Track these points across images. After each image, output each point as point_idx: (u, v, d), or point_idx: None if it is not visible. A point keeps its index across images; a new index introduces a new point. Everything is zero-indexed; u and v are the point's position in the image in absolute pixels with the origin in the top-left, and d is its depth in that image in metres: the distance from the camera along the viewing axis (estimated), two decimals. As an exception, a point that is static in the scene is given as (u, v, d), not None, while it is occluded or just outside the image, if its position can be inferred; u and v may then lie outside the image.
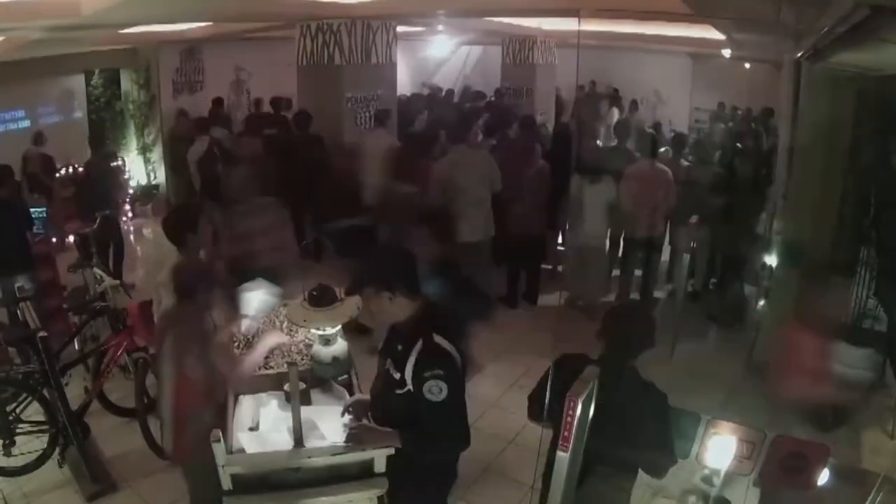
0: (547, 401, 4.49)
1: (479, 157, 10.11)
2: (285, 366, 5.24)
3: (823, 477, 4.14)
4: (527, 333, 9.92)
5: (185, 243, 5.95)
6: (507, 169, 10.03)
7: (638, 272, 10.67)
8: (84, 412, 7.16)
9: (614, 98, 20.18)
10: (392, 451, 4.42)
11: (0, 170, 8.87)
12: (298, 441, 4.50)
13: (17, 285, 7.70)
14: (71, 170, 14.46)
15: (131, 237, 14.56)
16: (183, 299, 5.05)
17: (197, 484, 5.18)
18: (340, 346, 5.13)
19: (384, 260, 4.54)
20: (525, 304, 11.10)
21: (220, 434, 4.23)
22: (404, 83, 21.94)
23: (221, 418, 4.78)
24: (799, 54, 7.43)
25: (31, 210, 10.32)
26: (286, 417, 4.64)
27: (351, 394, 5.21)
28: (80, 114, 17.07)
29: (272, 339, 5.37)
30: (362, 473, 4.50)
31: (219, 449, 4.18)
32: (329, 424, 4.80)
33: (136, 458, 6.91)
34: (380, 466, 4.49)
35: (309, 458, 4.47)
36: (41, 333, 6.35)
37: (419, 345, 4.03)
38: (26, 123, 15.39)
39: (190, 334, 4.83)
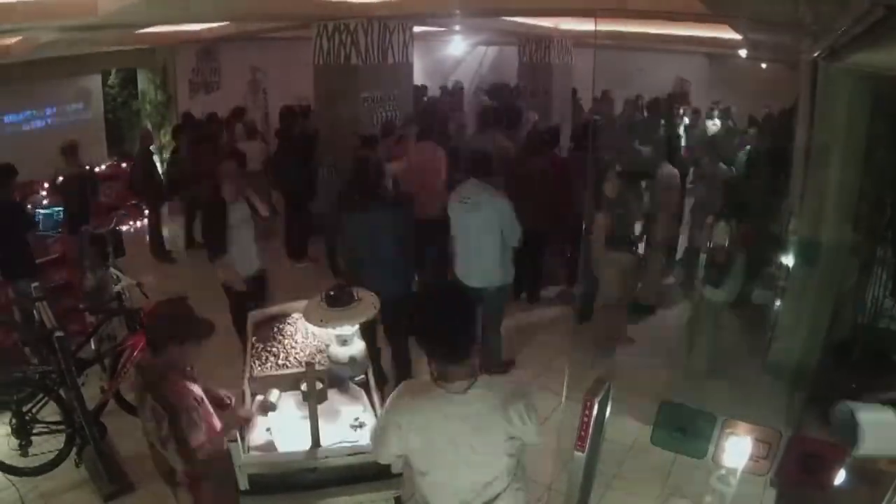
0: None
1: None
2: (303, 365, 5.23)
3: (839, 477, 4.12)
4: (542, 332, 9.94)
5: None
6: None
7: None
8: (100, 412, 7.16)
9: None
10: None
11: (3, 169, 8.89)
12: (315, 441, 4.50)
13: (33, 285, 7.70)
14: (87, 170, 14.40)
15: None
16: (155, 350, 4.69)
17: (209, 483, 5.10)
18: (357, 345, 5.14)
19: None
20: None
21: (238, 435, 4.24)
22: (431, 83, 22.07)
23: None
24: (815, 54, 7.40)
25: (48, 210, 10.37)
26: (303, 417, 4.65)
27: (367, 393, 5.22)
28: (96, 114, 17.09)
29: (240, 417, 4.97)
30: (379, 474, 4.50)
31: (236, 449, 4.18)
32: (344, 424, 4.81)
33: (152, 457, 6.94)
34: (396, 468, 4.49)
35: (326, 458, 4.47)
36: (57, 333, 6.36)
37: None
38: (41, 123, 15.46)
39: (166, 398, 4.46)
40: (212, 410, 4.72)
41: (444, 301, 3.68)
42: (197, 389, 4.67)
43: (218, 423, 4.70)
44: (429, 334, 3.54)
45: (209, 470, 4.52)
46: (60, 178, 12.01)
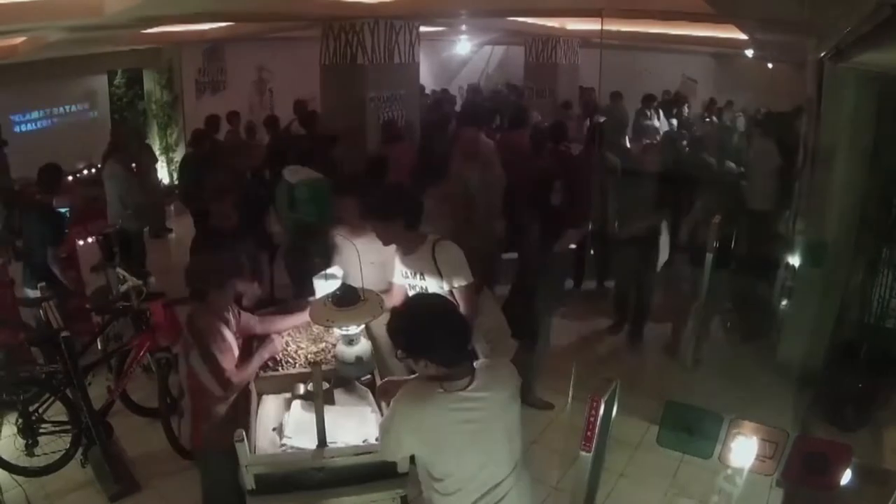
0: None
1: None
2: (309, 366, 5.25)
3: (846, 477, 4.12)
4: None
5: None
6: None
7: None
8: (107, 412, 7.17)
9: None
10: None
11: (53, 170, 8.83)
12: (322, 441, 4.50)
13: (39, 285, 7.70)
14: (94, 170, 14.42)
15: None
16: (196, 299, 5.13)
17: (210, 476, 5.26)
18: (364, 345, 5.13)
19: None
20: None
21: (244, 434, 4.24)
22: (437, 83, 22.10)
23: (241, 415, 4.85)
24: (821, 54, 7.39)
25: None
26: (310, 418, 4.65)
27: (374, 394, 5.22)
28: (102, 114, 17.11)
29: (269, 350, 5.45)
30: (385, 474, 4.50)
31: (242, 449, 4.18)
32: (352, 424, 4.81)
33: (158, 458, 6.93)
34: (403, 467, 4.48)
35: (332, 458, 4.47)
36: (64, 333, 6.36)
37: None
38: (47, 123, 15.49)
39: (197, 333, 4.89)
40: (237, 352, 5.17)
41: (434, 307, 3.83)
42: (227, 333, 4.98)
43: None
44: (427, 341, 3.57)
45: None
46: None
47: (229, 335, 5.07)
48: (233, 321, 5.24)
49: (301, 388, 5.15)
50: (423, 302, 4.14)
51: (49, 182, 8.67)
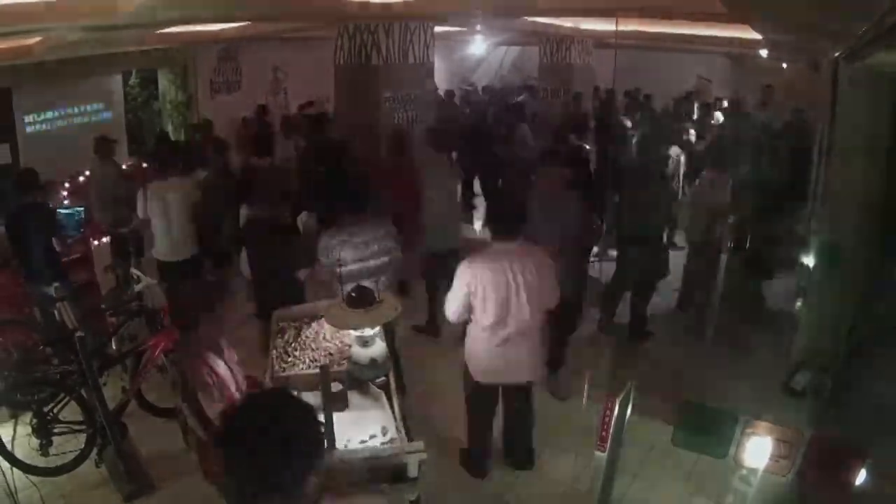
0: None
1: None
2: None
3: (860, 477, 4.11)
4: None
5: None
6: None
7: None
8: (121, 412, 7.18)
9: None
10: (424, 456, 4.43)
11: (28, 174, 8.90)
12: (331, 444, 4.50)
13: (54, 285, 7.71)
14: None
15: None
16: (182, 329, 5.01)
17: None
18: (379, 347, 5.13)
19: None
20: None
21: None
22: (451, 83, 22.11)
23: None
24: (836, 54, 7.37)
25: (69, 210, 10.37)
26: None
27: (388, 396, 5.22)
28: (117, 114, 17.15)
29: None
30: (396, 477, 4.49)
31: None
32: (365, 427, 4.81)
33: (173, 458, 6.93)
34: (413, 471, 4.48)
35: (342, 461, 4.46)
36: (78, 334, 6.37)
37: None
38: (62, 123, 15.54)
39: (182, 372, 4.77)
40: (233, 386, 4.91)
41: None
42: (220, 365, 4.86)
43: (237, 397, 4.87)
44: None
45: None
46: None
47: (222, 368, 4.95)
48: (227, 351, 5.15)
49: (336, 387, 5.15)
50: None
51: (25, 185, 8.78)
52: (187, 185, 9.32)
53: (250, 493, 2.53)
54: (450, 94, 21.07)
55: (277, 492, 2.50)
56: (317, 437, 2.66)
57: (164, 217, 9.08)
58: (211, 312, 4.85)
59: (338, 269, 5.56)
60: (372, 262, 7.05)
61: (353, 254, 6.92)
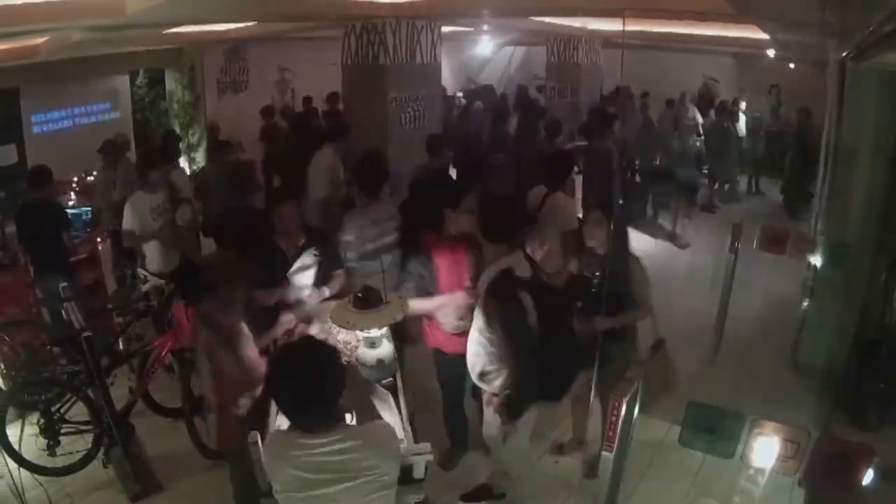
0: None
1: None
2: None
3: (867, 477, 4.11)
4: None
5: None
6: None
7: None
8: (128, 412, 7.19)
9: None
10: (431, 457, 4.43)
11: (40, 171, 8.89)
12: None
13: (61, 285, 7.72)
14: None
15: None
16: (212, 293, 5.12)
17: (239, 472, 5.29)
18: (386, 348, 5.13)
19: None
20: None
21: (258, 436, 4.23)
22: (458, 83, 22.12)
23: (262, 416, 4.84)
24: (843, 54, 7.36)
25: (77, 210, 10.40)
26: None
27: (395, 397, 5.21)
28: (124, 114, 17.17)
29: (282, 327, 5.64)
30: (402, 479, 4.48)
31: (256, 452, 4.18)
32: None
33: (180, 458, 6.95)
34: (419, 472, 4.47)
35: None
36: (85, 333, 6.37)
37: None
38: (69, 123, 15.57)
39: (217, 327, 4.89)
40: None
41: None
42: (244, 327, 5.02)
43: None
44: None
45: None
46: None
47: (245, 328, 5.09)
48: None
49: None
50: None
51: (36, 181, 8.80)
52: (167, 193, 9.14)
53: (301, 411, 3.57)
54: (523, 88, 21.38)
55: (320, 406, 3.54)
56: (341, 369, 3.57)
57: (148, 228, 8.76)
58: (231, 284, 5.00)
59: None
60: (385, 240, 7.32)
61: (373, 231, 7.22)
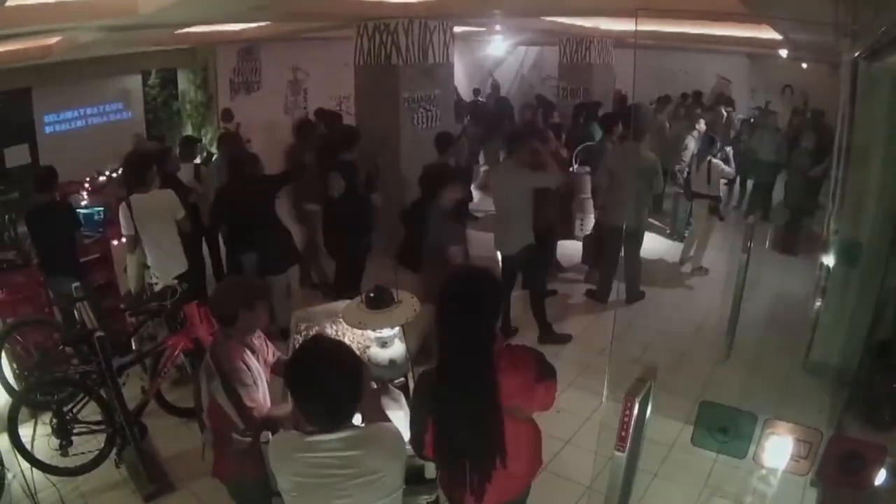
0: None
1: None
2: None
3: (881, 477, 4.09)
4: (582, 332, 9.91)
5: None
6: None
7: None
8: (141, 412, 7.22)
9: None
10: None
11: (47, 172, 8.90)
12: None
13: (74, 285, 7.72)
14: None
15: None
16: (220, 324, 4.98)
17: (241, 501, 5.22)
18: (398, 348, 5.12)
19: None
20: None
21: (270, 435, 4.23)
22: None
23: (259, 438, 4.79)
24: (856, 54, 7.34)
25: (89, 210, 10.41)
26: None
27: (407, 397, 5.19)
28: (137, 114, 17.19)
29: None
30: (412, 479, 4.48)
31: (266, 450, 4.18)
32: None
33: (193, 458, 6.89)
34: (431, 472, 4.47)
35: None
36: (98, 333, 6.39)
37: None
38: (81, 123, 15.60)
39: (219, 363, 4.75)
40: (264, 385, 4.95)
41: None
42: (253, 361, 4.85)
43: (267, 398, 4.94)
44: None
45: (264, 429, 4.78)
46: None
47: (254, 364, 4.91)
48: (264, 348, 5.12)
49: None
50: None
51: (42, 184, 8.79)
52: (169, 197, 8.87)
53: (323, 411, 3.51)
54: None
55: (341, 408, 3.53)
56: (360, 369, 3.55)
57: (150, 233, 8.67)
58: (249, 311, 4.82)
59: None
60: None
61: None
